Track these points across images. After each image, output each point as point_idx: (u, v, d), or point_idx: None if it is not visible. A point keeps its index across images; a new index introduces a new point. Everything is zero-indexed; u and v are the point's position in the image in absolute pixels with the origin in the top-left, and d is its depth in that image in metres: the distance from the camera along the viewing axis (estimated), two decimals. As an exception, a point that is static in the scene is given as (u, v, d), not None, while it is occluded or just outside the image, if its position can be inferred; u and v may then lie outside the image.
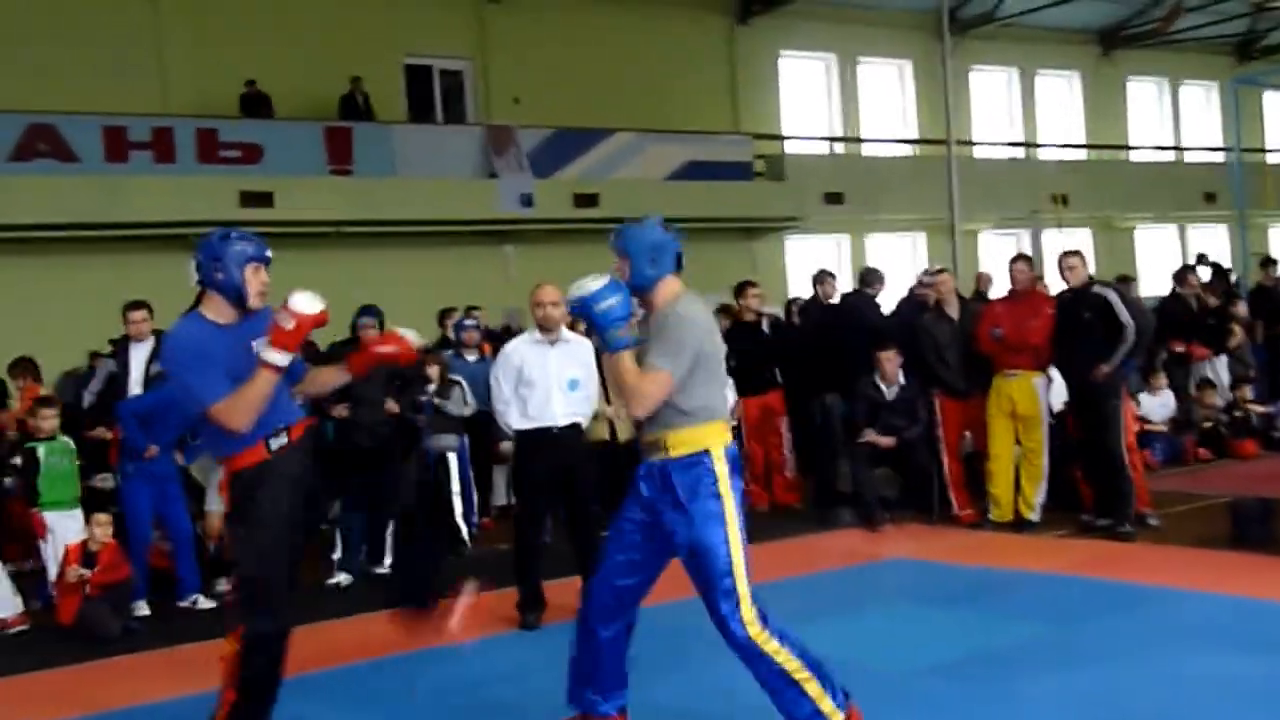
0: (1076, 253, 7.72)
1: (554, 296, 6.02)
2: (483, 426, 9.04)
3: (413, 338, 4.21)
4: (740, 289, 9.39)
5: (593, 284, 3.73)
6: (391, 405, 7.76)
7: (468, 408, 8.72)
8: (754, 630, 3.67)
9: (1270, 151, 22.88)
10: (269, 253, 4.00)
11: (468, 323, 9.88)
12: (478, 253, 14.83)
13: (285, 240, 13.56)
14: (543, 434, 6.01)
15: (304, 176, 13.39)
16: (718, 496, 3.73)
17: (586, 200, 14.93)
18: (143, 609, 6.87)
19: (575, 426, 6.09)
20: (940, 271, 8.80)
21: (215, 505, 7.32)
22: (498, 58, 16.10)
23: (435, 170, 14.21)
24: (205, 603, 7.06)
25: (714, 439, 3.79)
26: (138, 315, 7.21)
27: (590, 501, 6.12)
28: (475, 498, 8.96)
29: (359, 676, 5.37)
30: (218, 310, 3.96)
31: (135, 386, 7.17)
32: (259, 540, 3.89)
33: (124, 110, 12.95)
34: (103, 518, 6.68)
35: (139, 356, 7.19)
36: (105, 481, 7.73)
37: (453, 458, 8.34)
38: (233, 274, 3.91)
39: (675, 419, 3.77)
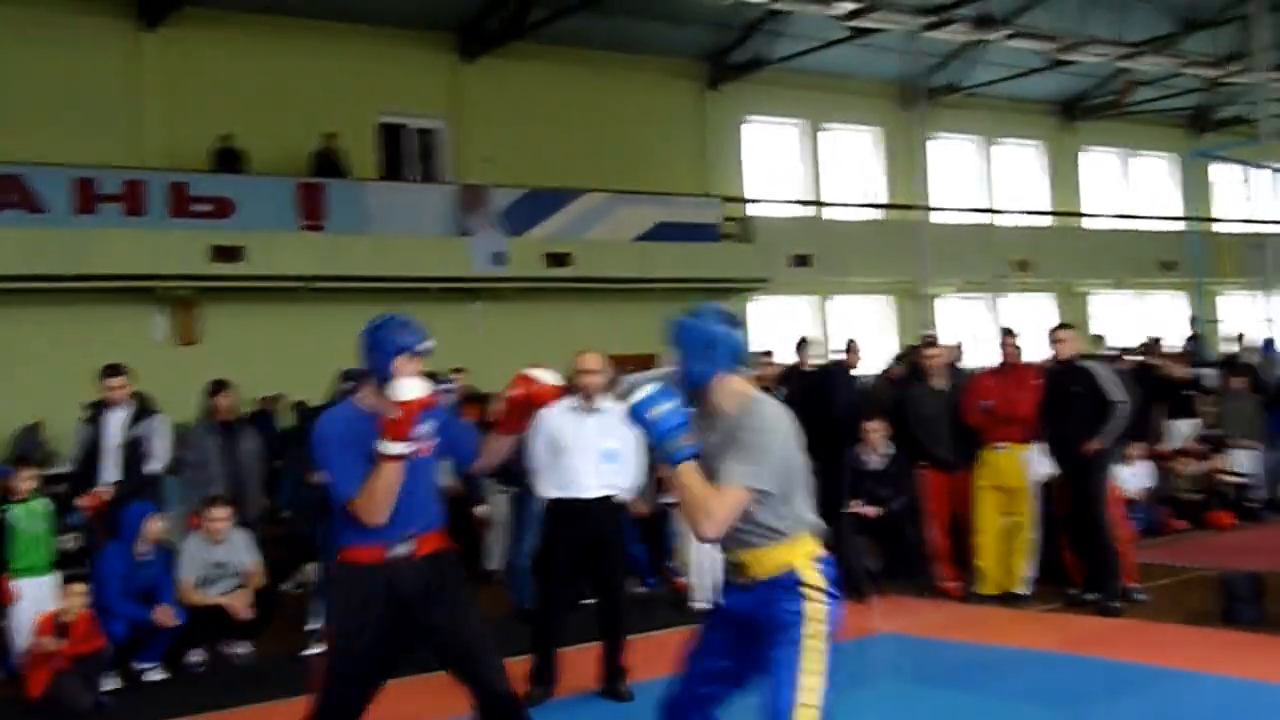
0: (1068, 326, 7.79)
1: (595, 364, 5.95)
2: (462, 489, 8.94)
3: (548, 377, 3.98)
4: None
5: (644, 389, 3.36)
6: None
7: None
8: None
9: (1222, 221, 23.40)
10: (428, 344, 3.86)
11: (443, 386, 9.76)
12: (447, 310, 14.73)
13: (255, 295, 13.52)
14: (573, 504, 5.85)
15: (276, 231, 13.29)
16: (799, 634, 3.29)
17: (558, 259, 14.98)
18: (112, 681, 6.63)
19: (608, 498, 5.94)
20: (930, 340, 8.80)
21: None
22: (471, 117, 16.15)
23: (408, 228, 14.18)
24: (157, 674, 6.79)
25: (800, 549, 3.38)
26: (115, 381, 7.04)
27: (619, 575, 6.05)
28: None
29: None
30: (370, 397, 3.85)
31: (112, 452, 6.99)
32: (337, 645, 3.88)
33: (95, 162, 12.80)
34: (78, 587, 6.46)
35: (116, 422, 7.01)
36: (70, 543, 7.50)
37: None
38: (382, 363, 3.80)
39: (755, 538, 3.36)
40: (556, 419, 5.85)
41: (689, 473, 3.28)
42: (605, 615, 5.95)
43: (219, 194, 13.22)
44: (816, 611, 3.30)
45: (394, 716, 5.52)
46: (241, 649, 7.03)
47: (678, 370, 3.50)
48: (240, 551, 7.25)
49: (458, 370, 10.75)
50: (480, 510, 9.24)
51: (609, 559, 5.97)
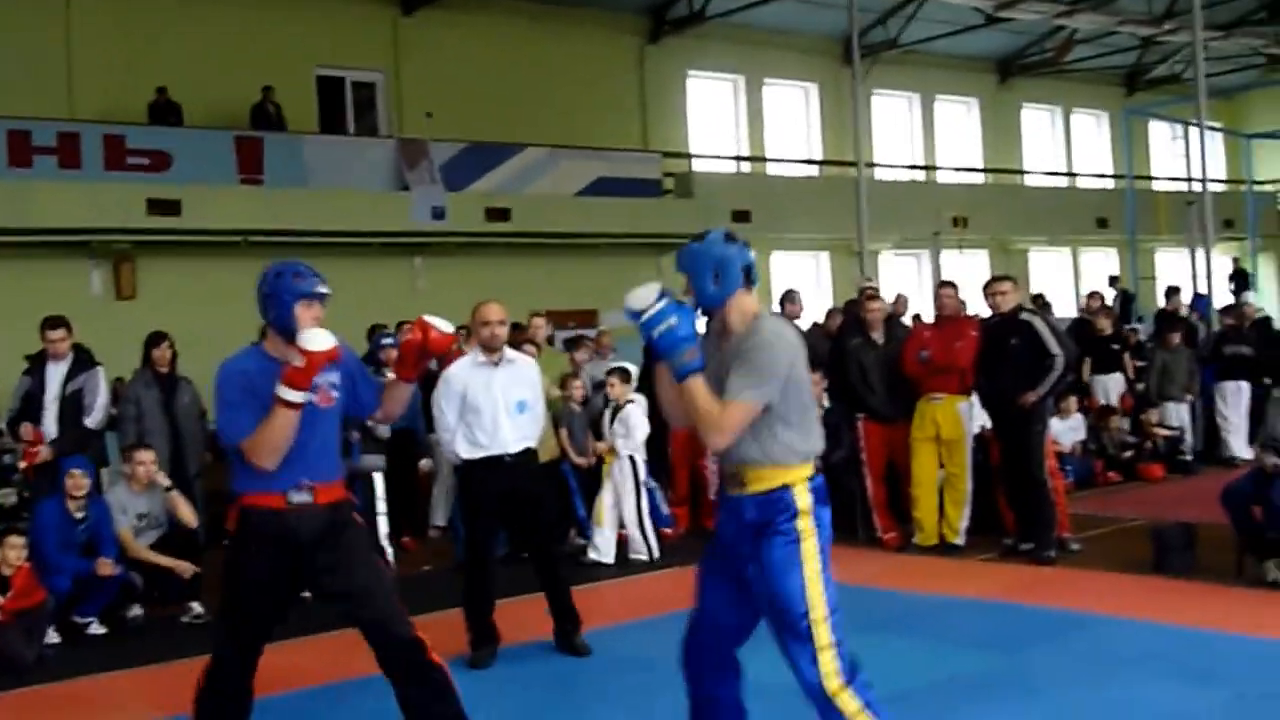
0: (1008, 278, 7.90)
1: (500, 314, 5.74)
2: (402, 446, 8.91)
3: (444, 325, 3.96)
4: None
5: (646, 300, 3.35)
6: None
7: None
8: (832, 684, 3.33)
9: (1157, 179, 23.78)
10: (323, 289, 3.86)
11: (386, 340, 9.68)
12: (387, 265, 14.64)
13: (193, 249, 13.29)
14: (494, 462, 5.67)
15: (213, 185, 13.06)
16: (795, 535, 3.38)
17: (498, 214, 14.90)
18: (52, 635, 6.55)
19: (528, 451, 5.81)
20: (873, 294, 8.83)
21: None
22: (411, 71, 15.95)
23: (346, 182, 14.03)
24: (97, 628, 6.76)
25: (796, 474, 3.43)
26: (56, 334, 6.92)
27: (551, 528, 5.93)
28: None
29: (274, 710, 5.06)
30: (276, 346, 3.85)
31: (51, 405, 6.88)
32: (236, 589, 3.89)
33: (29, 114, 12.49)
34: (16, 540, 6.36)
35: (56, 374, 6.90)
36: (9, 497, 7.40)
37: (378, 478, 8.16)
38: (283, 311, 3.80)
39: (755, 452, 3.42)
40: (464, 375, 5.71)
41: (696, 386, 3.35)
42: (543, 569, 5.82)
43: (156, 147, 12.98)
44: (808, 530, 3.39)
45: (301, 673, 5.60)
46: (196, 607, 6.96)
47: (691, 295, 3.49)
48: (161, 501, 7.20)
49: (401, 323, 10.66)
50: (423, 464, 9.22)
51: (534, 512, 5.82)
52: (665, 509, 9.03)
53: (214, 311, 12.82)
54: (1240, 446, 10.90)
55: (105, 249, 12.94)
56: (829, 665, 3.32)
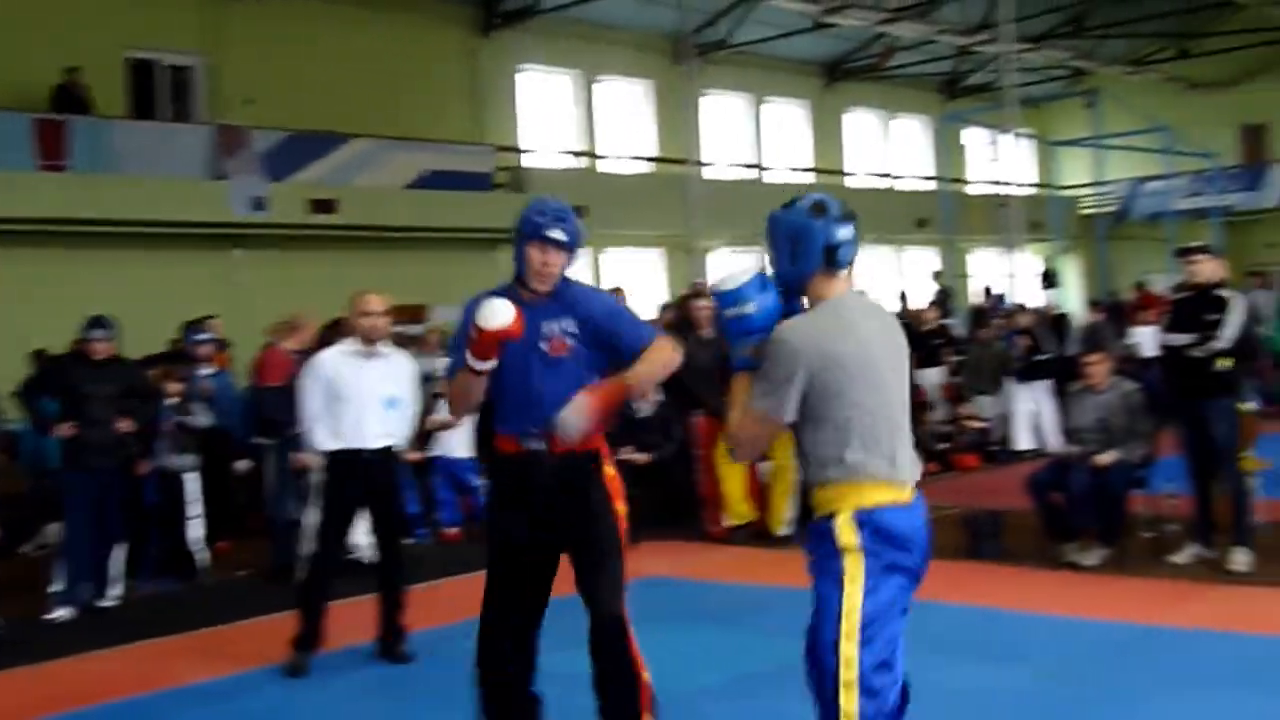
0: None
1: (377, 305, 5.54)
2: (217, 445, 8.56)
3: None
4: None
5: (736, 279, 2.97)
6: (124, 423, 7.16)
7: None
8: None
9: (972, 182, 24.79)
10: (557, 233, 3.61)
11: (200, 336, 9.28)
12: (203, 257, 14.03)
13: (-8, 240, 12.46)
14: (353, 455, 5.49)
15: (11, 171, 12.24)
16: (834, 576, 2.83)
17: (323, 206, 14.43)
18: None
19: (389, 450, 5.62)
20: (701, 291, 8.93)
21: None
22: (229, 55, 15.29)
23: (160, 169, 13.33)
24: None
25: (845, 503, 2.85)
26: None
27: (401, 529, 5.76)
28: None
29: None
30: (524, 286, 3.69)
31: None
32: (489, 540, 3.84)
33: None
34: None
35: None
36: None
37: (190, 478, 7.80)
38: (517, 250, 3.67)
39: (812, 471, 2.92)
40: (334, 365, 5.55)
41: (737, 386, 2.93)
42: (387, 571, 5.68)
43: (-55, 128, 12.10)
44: (853, 569, 2.82)
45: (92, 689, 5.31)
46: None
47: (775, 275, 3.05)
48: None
49: (209, 317, 10.25)
50: (239, 465, 8.85)
51: (390, 511, 5.69)
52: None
53: (19, 305, 12.09)
54: (1025, 439, 11.32)
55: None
56: None
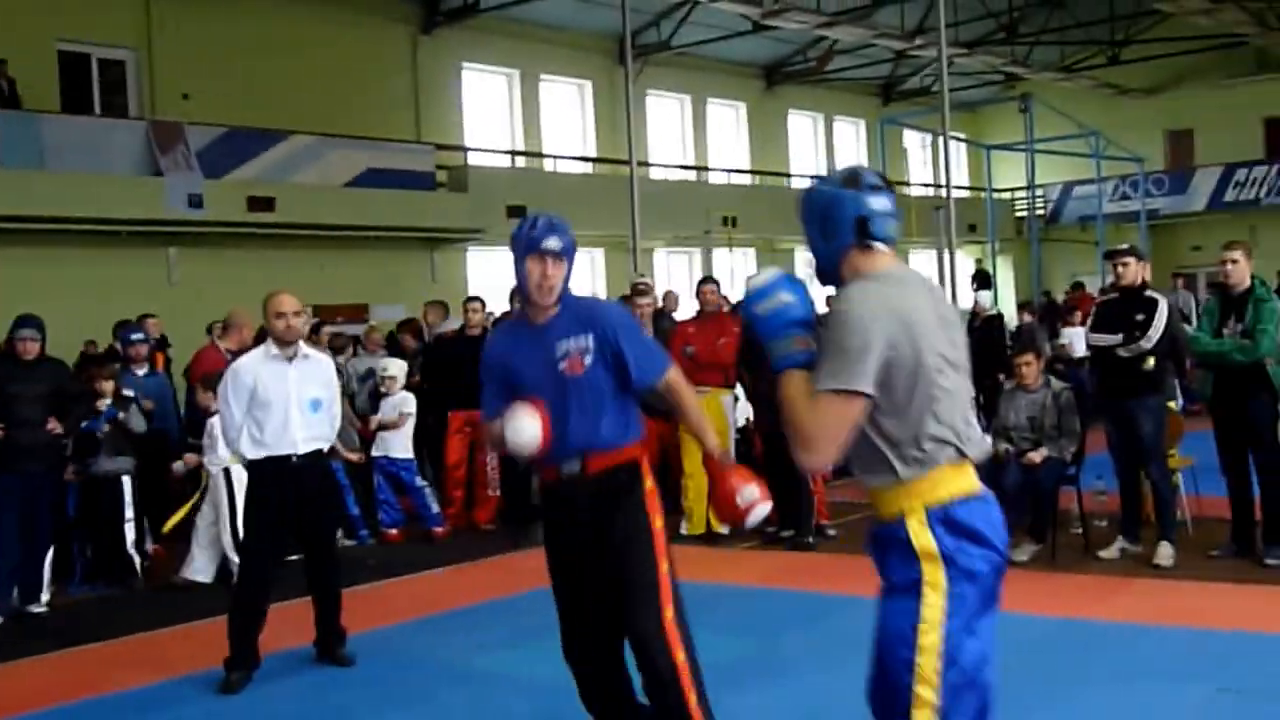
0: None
1: (295, 305, 5.37)
2: (155, 447, 8.45)
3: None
4: (473, 301, 9.45)
5: (762, 277, 2.67)
6: (54, 426, 7.04)
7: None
8: None
9: (910, 185, 25.11)
10: (552, 243, 3.58)
11: (134, 335, 9.16)
12: (138, 255, 13.79)
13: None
14: (280, 463, 5.33)
15: (-68, 165, 11.98)
16: (911, 590, 2.52)
17: (261, 204, 14.25)
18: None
19: (317, 453, 5.49)
20: (640, 289, 8.98)
21: None
22: (165, 49, 15.06)
23: (93, 165, 13.08)
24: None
25: (916, 498, 2.53)
26: None
27: (331, 533, 5.63)
28: (146, 524, 8.29)
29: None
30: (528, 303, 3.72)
31: None
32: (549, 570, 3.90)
33: None
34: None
35: None
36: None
37: (126, 481, 7.69)
38: (516, 265, 3.64)
39: (873, 464, 2.56)
40: (254, 369, 5.37)
41: (790, 384, 2.54)
42: (318, 576, 5.57)
43: None
44: (934, 582, 2.51)
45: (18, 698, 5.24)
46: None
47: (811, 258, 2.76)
48: None
49: (147, 316, 10.14)
50: (177, 466, 8.74)
51: (319, 516, 5.56)
52: (435, 507, 8.93)
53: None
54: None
55: None
56: None
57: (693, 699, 3.64)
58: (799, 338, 2.59)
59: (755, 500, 3.52)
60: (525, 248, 3.60)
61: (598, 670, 3.78)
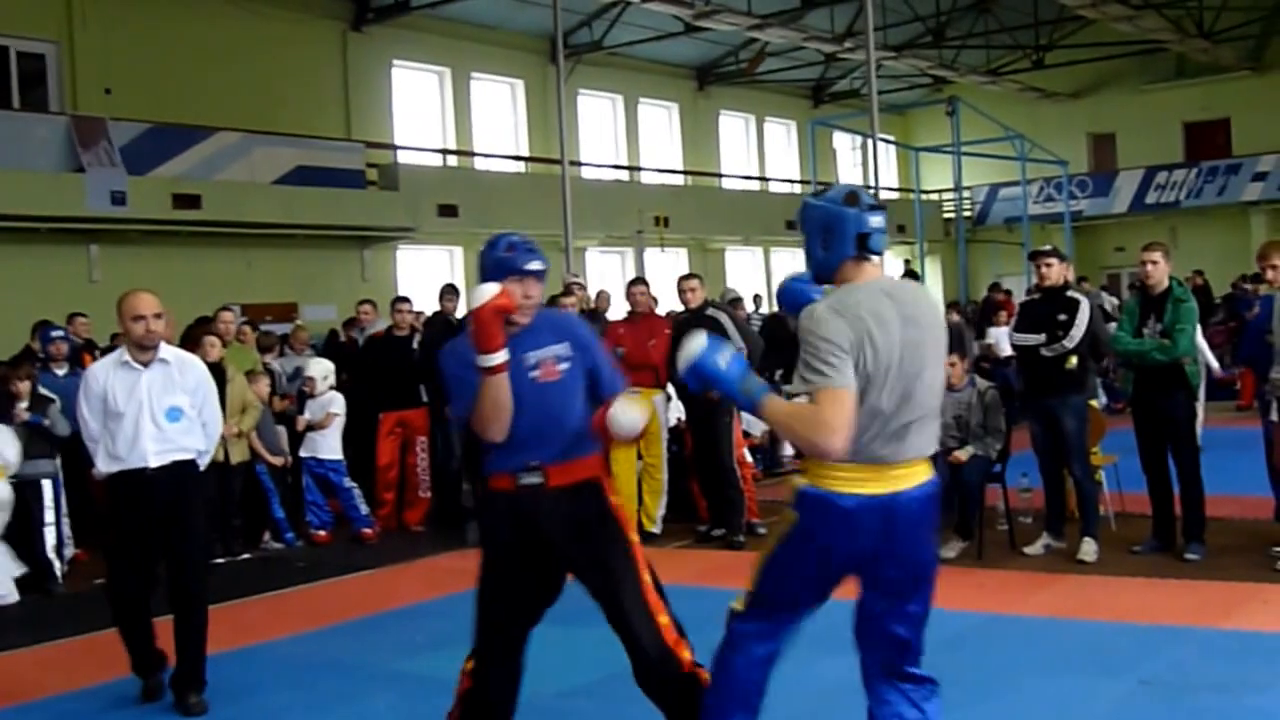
0: (696, 276, 8.19)
1: (154, 306, 4.89)
2: (77, 448, 8.25)
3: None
4: (401, 302, 9.39)
5: (695, 346, 3.14)
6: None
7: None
8: None
9: (839, 185, 25.37)
10: (536, 264, 3.53)
11: (55, 333, 8.95)
12: (58, 253, 13.46)
13: None
14: (133, 478, 4.89)
15: None
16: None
17: (187, 201, 13.98)
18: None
19: (177, 465, 4.97)
20: (569, 289, 8.98)
21: None
22: (87, 43, 14.72)
23: (11, 161, 12.72)
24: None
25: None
26: None
27: (196, 551, 5.11)
28: (68, 529, 8.10)
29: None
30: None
31: None
32: (481, 579, 3.68)
33: None
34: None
35: None
36: None
37: (47, 485, 7.50)
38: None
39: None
40: (105, 377, 4.95)
41: (775, 405, 3.05)
42: (178, 594, 5.01)
43: None
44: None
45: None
46: None
47: (807, 263, 3.22)
48: None
49: (77, 315, 9.90)
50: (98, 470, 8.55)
51: (181, 531, 5.01)
52: (364, 509, 8.85)
53: None
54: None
55: None
56: None
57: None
58: (748, 379, 3.09)
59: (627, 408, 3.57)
60: (506, 269, 3.52)
61: (509, 674, 3.76)
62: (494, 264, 3.54)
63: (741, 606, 3.32)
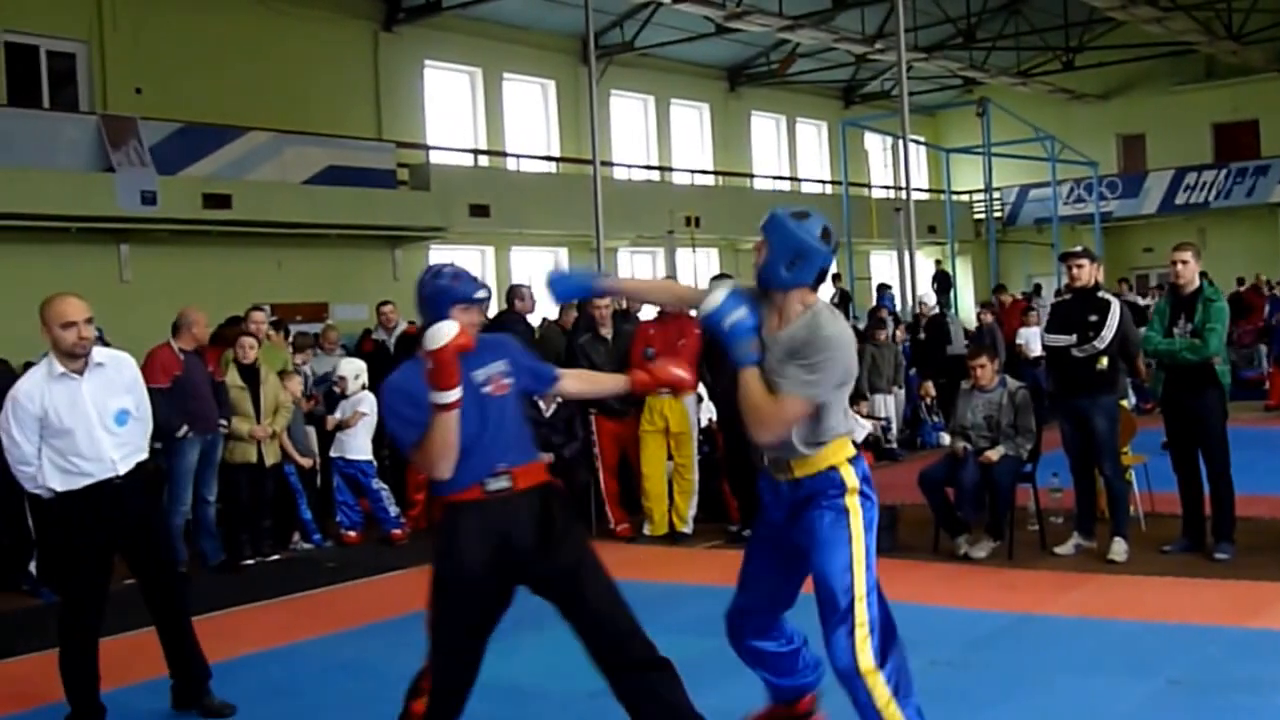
0: (727, 276, 8.19)
1: (84, 311, 4.60)
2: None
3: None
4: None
5: (717, 297, 3.47)
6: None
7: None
8: (864, 664, 3.48)
9: (871, 186, 25.32)
10: (482, 293, 3.72)
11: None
12: (89, 253, 13.53)
13: None
14: (103, 489, 4.63)
15: None
16: (842, 510, 3.52)
17: (217, 201, 14.05)
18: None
19: (140, 468, 4.78)
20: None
21: None
22: (117, 42, 14.83)
23: (41, 161, 12.79)
24: None
25: (840, 455, 3.57)
26: None
27: (167, 556, 4.97)
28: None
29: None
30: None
31: None
32: (446, 596, 3.72)
33: None
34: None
35: None
36: None
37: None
38: (439, 316, 3.56)
39: (802, 446, 3.54)
40: (40, 396, 4.59)
41: (752, 379, 3.43)
42: (161, 602, 4.85)
43: None
44: (855, 506, 3.53)
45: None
46: None
47: (760, 266, 3.53)
48: None
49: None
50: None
51: (155, 538, 4.87)
52: (394, 510, 8.85)
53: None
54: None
55: None
56: (863, 644, 3.46)
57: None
58: (753, 342, 3.44)
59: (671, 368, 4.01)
60: (454, 298, 3.65)
61: (468, 690, 3.80)
62: (439, 292, 3.66)
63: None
